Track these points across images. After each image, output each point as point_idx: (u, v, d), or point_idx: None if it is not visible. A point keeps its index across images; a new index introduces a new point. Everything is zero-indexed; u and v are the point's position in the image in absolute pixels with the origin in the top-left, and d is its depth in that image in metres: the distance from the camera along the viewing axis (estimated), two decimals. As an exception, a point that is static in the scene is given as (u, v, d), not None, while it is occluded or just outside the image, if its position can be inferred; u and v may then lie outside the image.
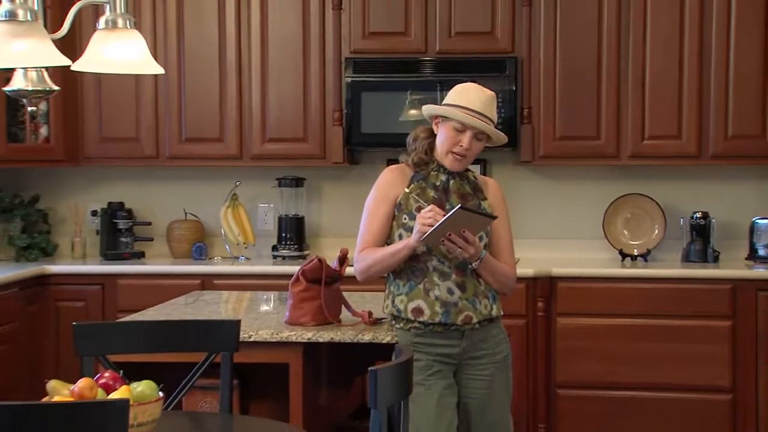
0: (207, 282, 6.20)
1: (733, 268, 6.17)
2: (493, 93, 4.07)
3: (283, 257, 6.51)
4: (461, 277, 4.01)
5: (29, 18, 3.30)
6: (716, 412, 5.94)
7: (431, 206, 3.90)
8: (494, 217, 4.01)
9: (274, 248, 6.60)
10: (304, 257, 6.29)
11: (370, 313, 4.30)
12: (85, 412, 2.61)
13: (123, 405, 2.59)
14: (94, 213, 6.76)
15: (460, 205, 3.88)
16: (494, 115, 4.04)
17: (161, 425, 3.10)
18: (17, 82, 3.55)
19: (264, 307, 4.99)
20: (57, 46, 3.34)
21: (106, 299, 6.27)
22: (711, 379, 5.93)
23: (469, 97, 4.02)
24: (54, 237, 6.84)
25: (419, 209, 3.97)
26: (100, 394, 2.99)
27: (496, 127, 4.05)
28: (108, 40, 3.53)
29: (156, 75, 6.08)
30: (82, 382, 3.03)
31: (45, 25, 3.40)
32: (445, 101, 4.07)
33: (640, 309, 5.96)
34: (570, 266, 6.13)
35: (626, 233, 6.46)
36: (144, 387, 3.03)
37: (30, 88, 3.54)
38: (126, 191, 6.81)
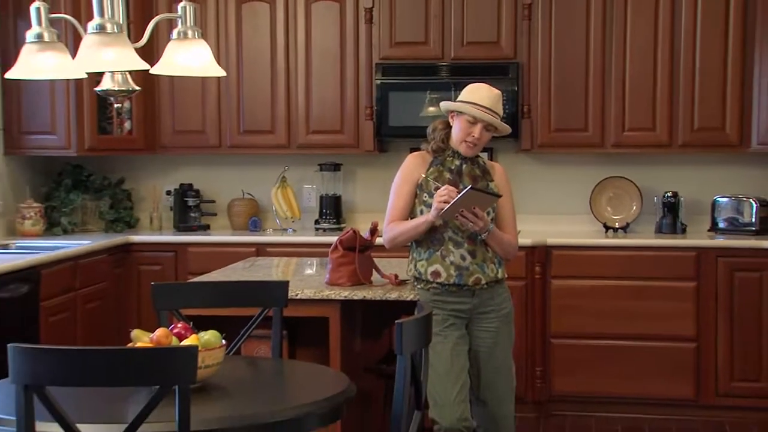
0: (261, 250, 6.20)
1: (698, 238, 6.14)
2: (499, 92, 4.06)
3: (324, 229, 6.51)
4: (472, 246, 4.01)
5: (116, 30, 3.30)
6: (683, 358, 5.93)
7: (446, 186, 3.91)
8: (499, 196, 4.01)
9: (316, 222, 6.59)
10: (341, 229, 6.28)
11: (396, 276, 4.30)
12: (162, 356, 2.62)
13: (193, 350, 2.60)
14: (168, 192, 6.77)
15: (470, 186, 3.87)
16: (500, 110, 4.04)
17: (224, 367, 3.12)
18: (106, 84, 3.54)
19: (308, 271, 4.99)
20: (138, 54, 3.34)
21: (179, 263, 6.30)
22: (679, 330, 5.92)
23: (480, 95, 4.01)
24: (136, 212, 6.86)
25: (437, 189, 3.96)
26: (174, 341, 3.01)
27: (501, 121, 4.04)
28: (180, 48, 3.53)
29: (219, 77, 6.07)
30: (160, 332, 3.04)
31: (128, 36, 3.40)
32: (459, 98, 4.06)
33: (621, 272, 5.95)
34: (562, 237, 6.11)
35: (609, 209, 6.43)
36: (210, 336, 3.04)
37: (116, 89, 3.53)
38: (194, 174, 6.82)
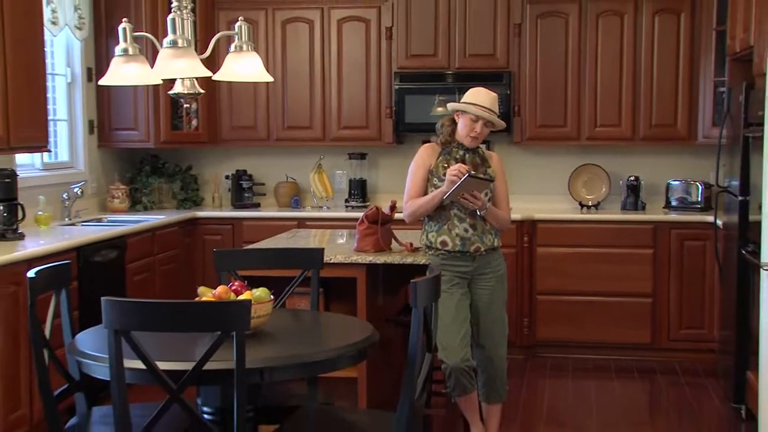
0: (301, 223, 6.20)
1: (655, 214, 6.10)
2: (495, 94, 4.02)
3: (352, 207, 6.49)
4: (473, 221, 3.99)
5: (185, 45, 3.29)
6: (642, 310, 5.94)
7: (458, 164, 3.89)
8: (492, 180, 3.98)
9: (346, 200, 6.58)
10: (366, 206, 6.26)
11: (411, 244, 4.28)
12: (223, 308, 2.62)
13: (247, 304, 2.60)
14: (227, 177, 6.76)
15: (468, 174, 3.84)
16: (497, 109, 4.00)
17: (272, 317, 3.11)
18: (177, 88, 3.52)
19: (339, 240, 4.98)
20: (203, 64, 3.33)
21: (235, 234, 6.30)
22: (639, 288, 5.94)
23: (480, 97, 3.97)
24: (201, 193, 6.85)
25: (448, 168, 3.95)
26: (232, 296, 3.00)
27: (498, 118, 4.01)
28: (236, 59, 3.51)
29: (267, 83, 6.05)
30: (220, 289, 3.04)
31: (195, 49, 3.39)
32: (462, 100, 4.02)
33: (593, 241, 5.94)
34: (546, 213, 6.09)
35: (584, 190, 6.38)
36: (261, 292, 3.03)
37: (185, 92, 3.51)
38: (248, 162, 6.81)
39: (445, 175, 3.94)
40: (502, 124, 4.04)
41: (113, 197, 6.33)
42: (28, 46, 4.77)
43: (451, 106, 4.08)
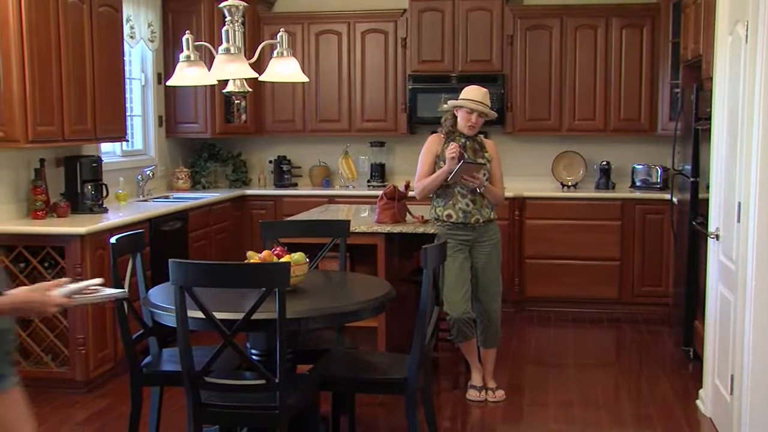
0: (331, 200, 6.16)
1: (622, 192, 6.02)
2: (486, 90, 3.98)
3: (373, 186, 6.44)
4: (473, 197, 3.96)
5: (236, 52, 3.27)
6: (611, 271, 5.88)
7: (453, 144, 3.86)
8: (482, 164, 3.94)
9: (368, 181, 6.53)
10: (384, 186, 6.20)
11: (422, 217, 4.27)
12: (267, 269, 2.61)
13: (287, 265, 2.59)
14: (270, 161, 6.73)
15: (463, 161, 3.81)
16: (488, 102, 3.96)
17: (307, 277, 3.11)
18: (229, 87, 3.50)
19: (363, 214, 4.95)
20: (251, 67, 3.30)
21: (277, 208, 6.29)
22: (609, 253, 5.88)
23: (473, 93, 3.94)
24: (249, 174, 6.82)
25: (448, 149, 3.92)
26: (275, 259, 2.99)
27: (489, 109, 3.97)
28: (278, 63, 3.47)
29: (303, 83, 6.01)
30: (265, 253, 3.04)
31: (244, 55, 3.36)
32: (460, 97, 4.00)
33: (571, 215, 5.88)
34: (533, 191, 6.03)
35: (564, 173, 6.31)
36: (298, 256, 3.03)
37: (236, 91, 3.49)
38: (287, 149, 6.77)
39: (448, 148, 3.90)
40: (493, 114, 4.00)
41: (178, 178, 6.33)
42: (111, 56, 4.82)
43: (450, 103, 4.04)
